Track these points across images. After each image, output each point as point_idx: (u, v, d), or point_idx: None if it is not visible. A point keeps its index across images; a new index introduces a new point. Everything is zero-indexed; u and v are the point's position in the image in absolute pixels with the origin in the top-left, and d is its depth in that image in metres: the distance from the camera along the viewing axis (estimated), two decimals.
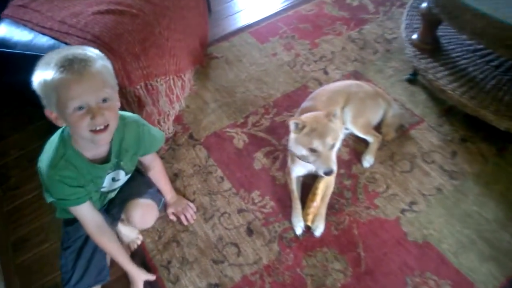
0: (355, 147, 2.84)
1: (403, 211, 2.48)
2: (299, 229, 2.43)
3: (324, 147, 2.16)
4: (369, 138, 2.76)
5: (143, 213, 1.99)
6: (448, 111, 2.96)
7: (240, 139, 2.98)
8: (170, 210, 2.37)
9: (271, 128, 3.02)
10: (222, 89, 3.34)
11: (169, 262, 2.39)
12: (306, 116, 2.31)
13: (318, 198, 2.45)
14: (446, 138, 2.81)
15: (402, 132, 2.89)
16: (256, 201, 2.63)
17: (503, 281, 2.15)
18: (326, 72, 3.39)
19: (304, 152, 2.26)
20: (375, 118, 2.82)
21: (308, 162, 2.31)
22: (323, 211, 2.47)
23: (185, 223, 2.43)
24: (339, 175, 2.67)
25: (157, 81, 2.75)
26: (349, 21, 3.76)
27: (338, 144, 2.25)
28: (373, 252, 2.32)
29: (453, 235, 2.35)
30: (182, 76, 3.13)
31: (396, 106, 2.94)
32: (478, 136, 2.78)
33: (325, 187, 2.50)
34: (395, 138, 2.85)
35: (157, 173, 2.37)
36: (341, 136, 2.27)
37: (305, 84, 3.30)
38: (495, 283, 2.14)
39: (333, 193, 2.57)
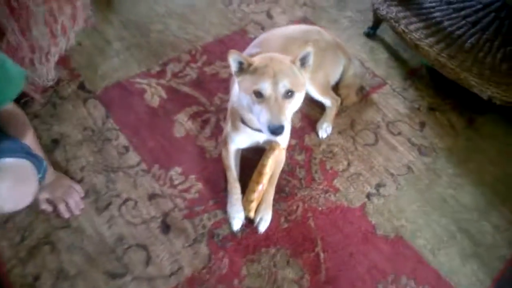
0: (308, 112, 2.20)
1: (369, 195, 1.93)
2: (237, 223, 1.76)
3: (276, 92, 1.50)
4: (326, 101, 2.15)
5: (14, 183, 1.26)
6: (413, 73, 2.48)
7: (155, 94, 2.15)
8: (42, 196, 1.60)
9: (200, 82, 2.24)
10: (130, 24, 2.45)
11: (36, 278, 1.55)
12: (258, 57, 1.58)
13: (265, 179, 1.78)
14: (413, 105, 2.31)
15: (363, 96, 2.31)
16: (176, 182, 1.87)
17: (489, 285, 1.71)
18: (270, 16, 2.67)
19: (247, 100, 1.57)
20: (335, 76, 2.21)
21: (251, 114, 1.63)
22: (270, 196, 1.82)
23: (66, 215, 1.63)
24: (289, 148, 2.01)
25: None
26: None
27: (298, 101, 1.56)
28: (335, 252, 1.74)
29: (429, 226, 1.87)
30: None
31: (357, 63, 2.35)
32: (447, 105, 2.33)
33: (274, 164, 1.83)
34: (356, 102, 2.26)
35: (20, 135, 1.47)
36: (303, 94, 1.58)
37: (244, 28, 2.56)
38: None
39: (282, 171, 1.91)
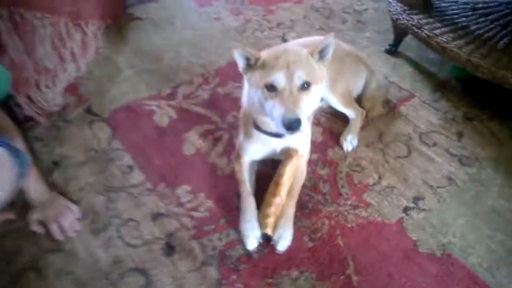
0: (330, 126, 2.00)
1: (406, 210, 1.65)
2: (252, 242, 1.50)
3: (290, 84, 1.34)
4: (349, 113, 1.95)
5: None
6: (443, 85, 2.27)
7: (164, 115, 2.03)
8: (34, 216, 1.52)
9: (212, 102, 2.11)
10: (143, 53, 2.41)
11: None
12: (268, 49, 1.45)
13: (282, 190, 1.55)
14: (447, 116, 2.08)
15: (389, 109, 2.11)
16: (183, 200, 1.67)
17: None
18: (284, 40, 2.59)
19: (258, 96, 1.41)
20: (357, 86, 2.03)
21: (264, 116, 1.46)
22: (290, 211, 1.57)
23: (58, 236, 1.47)
24: (311, 162, 1.79)
25: (34, 16, 1.74)
26: None
27: (316, 95, 1.39)
28: (370, 273, 1.44)
29: (481, 242, 1.55)
30: (83, 26, 2.14)
31: (380, 76, 2.17)
32: (485, 114, 2.08)
33: (293, 174, 1.61)
34: (382, 114, 2.05)
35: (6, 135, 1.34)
36: (321, 88, 1.41)
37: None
38: None
39: (304, 186, 1.68)
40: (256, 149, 1.65)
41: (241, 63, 1.42)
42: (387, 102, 2.14)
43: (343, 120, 2.01)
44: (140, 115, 2.04)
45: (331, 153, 1.88)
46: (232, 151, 1.83)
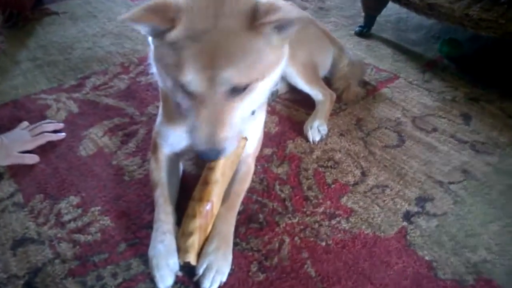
0: (290, 114, 1.47)
1: (409, 216, 1.10)
2: (166, 278, 0.92)
3: (213, 89, 0.82)
4: (316, 93, 1.45)
5: None
6: (432, 65, 1.81)
7: (61, 109, 1.47)
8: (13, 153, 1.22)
9: (130, 92, 1.57)
10: (51, 45, 1.90)
11: None
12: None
13: (214, 193, 0.98)
14: (445, 97, 1.58)
15: (368, 92, 1.60)
16: (66, 217, 1.08)
17: None
18: None
19: (169, 83, 0.89)
20: (323, 63, 1.55)
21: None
22: (228, 226, 1.01)
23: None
24: (262, 159, 1.24)
25: None
26: None
27: (260, 93, 0.90)
28: None
29: None
30: None
31: (351, 53, 1.67)
32: (492, 94, 1.59)
33: (231, 167, 1.04)
34: (358, 97, 1.54)
35: None
36: (273, 78, 0.88)
37: None
38: None
39: (251, 190, 1.12)
40: (179, 136, 1.07)
41: (144, 31, 0.86)
42: (363, 84, 1.62)
43: (307, 106, 1.48)
44: (28, 111, 1.47)
45: (291, 146, 1.33)
46: (148, 149, 1.26)
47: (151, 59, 0.91)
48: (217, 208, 1.00)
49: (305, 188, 1.18)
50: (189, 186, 1.11)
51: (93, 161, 1.26)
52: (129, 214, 1.09)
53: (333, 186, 1.19)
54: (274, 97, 1.52)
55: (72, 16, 2.18)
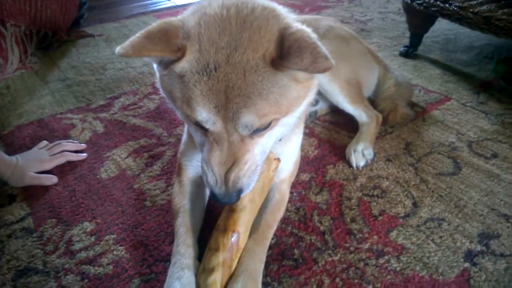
0: (330, 136, 1.33)
1: (471, 256, 0.92)
2: None
3: (230, 132, 0.72)
4: (360, 114, 1.32)
5: None
6: (486, 86, 1.64)
7: (86, 129, 1.40)
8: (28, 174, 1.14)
9: (159, 112, 1.49)
10: (83, 66, 1.88)
11: None
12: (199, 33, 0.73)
13: (240, 222, 0.85)
14: (504, 120, 1.38)
15: (417, 114, 1.44)
16: (76, 246, 0.97)
17: None
18: None
19: (180, 116, 0.83)
20: (368, 82, 1.42)
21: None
22: (256, 263, 0.86)
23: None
24: (298, 185, 1.11)
25: None
26: (302, 7, 2.59)
27: (284, 128, 0.82)
28: None
29: None
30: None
31: (398, 73, 1.53)
32: None
33: (262, 193, 0.90)
34: (407, 119, 1.38)
35: None
36: (299, 111, 0.78)
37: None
38: None
39: (285, 220, 0.98)
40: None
41: (146, 60, 0.77)
42: (411, 105, 1.47)
43: (349, 128, 1.35)
44: (53, 131, 1.41)
45: (332, 172, 1.18)
46: (174, 173, 1.15)
47: (159, 86, 0.81)
48: (244, 240, 0.86)
49: (348, 220, 1.02)
50: (215, 214, 0.99)
51: (113, 184, 1.16)
52: (147, 244, 0.97)
53: (380, 218, 1.03)
54: (312, 118, 1.39)
55: (108, 38, 2.17)
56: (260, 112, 0.68)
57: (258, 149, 0.75)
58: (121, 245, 0.97)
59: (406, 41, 1.94)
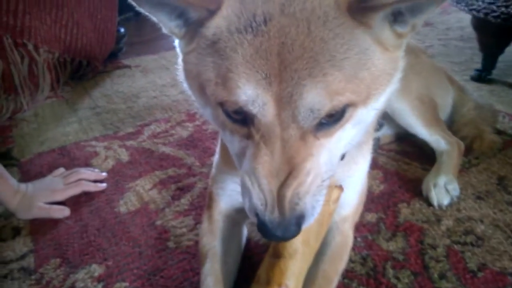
0: (398, 167, 1.07)
1: None
2: None
3: (281, 117, 0.48)
4: (437, 140, 1.07)
5: None
6: None
7: (110, 158, 1.23)
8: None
9: (192, 140, 1.31)
10: (116, 95, 1.76)
11: None
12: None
13: (290, 273, 0.59)
14: None
15: (505, 143, 1.16)
16: (79, 285, 0.74)
17: None
18: None
19: (210, 113, 0.57)
20: (444, 103, 1.16)
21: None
22: None
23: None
24: (363, 228, 0.85)
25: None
26: None
27: (362, 120, 0.55)
28: None
29: None
30: (29, 48, 1.54)
31: (476, 95, 1.28)
32: None
33: (320, 233, 0.65)
34: (495, 148, 1.11)
35: None
36: (386, 97, 0.56)
37: None
38: None
39: (349, 274, 0.71)
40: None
41: (166, 27, 0.57)
42: (497, 132, 1.19)
43: (421, 158, 1.10)
44: (74, 159, 1.25)
45: (406, 212, 0.92)
46: (204, 208, 0.93)
47: (182, 76, 0.61)
48: None
49: (436, 276, 0.75)
50: (255, 261, 0.75)
51: (132, 219, 0.95)
52: None
53: (480, 274, 0.75)
54: (375, 146, 1.15)
55: (144, 69, 2.07)
56: (331, 86, 0.45)
57: (325, 156, 0.51)
58: None
59: (475, 66, 1.69)
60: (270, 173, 0.48)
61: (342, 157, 0.67)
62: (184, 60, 0.57)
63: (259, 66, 0.46)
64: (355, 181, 0.75)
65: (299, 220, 0.49)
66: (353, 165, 0.73)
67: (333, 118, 0.49)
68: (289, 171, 0.48)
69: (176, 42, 0.59)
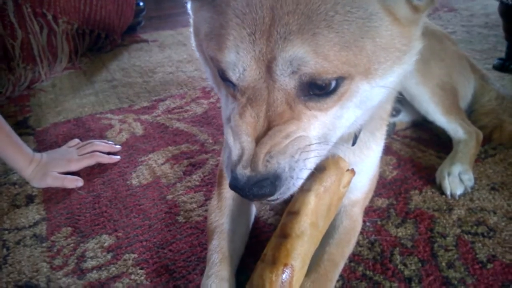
0: (413, 154, 1.05)
1: None
2: None
3: (268, 76, 0.48)
4: (455, 129, 1.02)
5: None
6: None
7: (124, 131, 1.24)
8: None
9: (206, 117, 1.31)
10: (133, 68, 1.76)
11: None
12: None
13: (296, 252, 0.59)
14: None
15: None
16: (88, 263, 0.76)
17: None
18: None
19: (210, 72, 0.60)
20: (465, 91, 1.13)
21: None
22: None
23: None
24: (373, 213, 0.84)
25: None
26: None
27: (360, 100, 0.53)
28: None
29: None
30: (48, 19, 1.54)
31: (498, 85, 1.24)
32: None
33: (328, 214, 0.65)
34: None
35: None
36: (399, 77, 0.53)
37: None
38: None
39: (356, 258, 0.71)
40: None
41: None
42: None
43: (438, 146, 1.07)
44: (89, 130, 1.26)
45: (418, 199, 0.91)
46: (215, 184, 0.93)
47: (192, 39, 0.61)
48: (300, 279, 0.62)
49: (443, 264, 0.74)
50: (262, 240, 0.75)
51: (143, 192, 0.97)
52: (173, 270, 0.75)
53: (490, 266, 0.74)
54: (390, 132, 1.13)
55: (162, 44, 2.07)
56: (321, 48, 0.44)
57: (317, 128, 0.50)
58: (141, 268, 0.76)
59: (498, 54, 1.64)
60: (252, 133, 0.48)
61: (354, 142, 0.66)
62: (192, 20, 0.57)
63: (248, 21, 0.45)
64: (367, 166, 0.74)
65: (274, 180, 0.48)
66: (365, 150, 0.72)
67: (324, 91, 0.47)
68: (269, 135, 0.48)
69: (189, 6, 0.58)
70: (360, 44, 0.45)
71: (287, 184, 0.49)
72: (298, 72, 0.45)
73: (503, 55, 1.60)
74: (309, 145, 0.50)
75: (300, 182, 0.51)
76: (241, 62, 0.46)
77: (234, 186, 0.49)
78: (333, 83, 0.47)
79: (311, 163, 0.51)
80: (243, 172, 0.48)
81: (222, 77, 0.51)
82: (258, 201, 0.51)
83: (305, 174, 0.51)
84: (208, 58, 0.52)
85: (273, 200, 0.52)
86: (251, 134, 0.48)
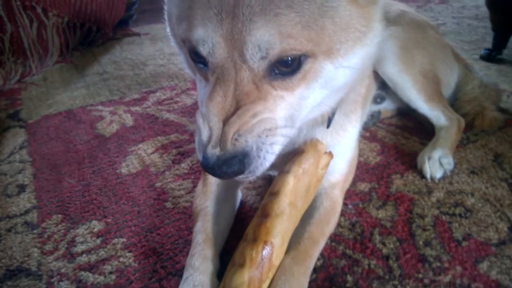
0: (396, 141, 1.08)
1: None
2: None
3: (234, 55, 0.50)
4: (437, 115, 1.07)
5: None
6: None
7: (114, 122, 1.26)
8: None
9: (196, 108, 1.34)
10: (124, 61, 1.78)
11: None
12: None
13: (276, 230, 0.61)
14: None
15: (506, 120, 1.16)
16: (79, 247, 0.79)
17: None
18: None
19: (183, 55, 0.64)
20: (448, 80, 1.16)
21: None
22: (294, 286, 0.60)
23: None
24: (354, 196, 0.88)
25: None
26: None
27: (325, 80, 0.55)
28: None
29: None
30: (38, 12, 1.55)
31: (481, 74, 1.27)
32: None
33: (307, 193, 0.68)
34: (495, 125, 1.11)
35: None
36: (366, 52, 0.57)
37: None
38: None
39: (337, 237, 0.74)
40: None
41: None
42: (500, 111, 1.19)
43: (421, 133, 1.10)
44: (79, 122, 1.28)
45: (399, 183, 0.94)
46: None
47: (168, 28, 0.64)
48: (280, 256, 0.64)
49: (421, 243, 0.77)
50: (247, 222, 0.77)
51: (133, 181, 0.99)
52: (161, 252, 0.77)
53: (465, 244, 0.77)
54: (375, 120, 1.16)
55: (153, 37, 2.08)
56: (284, 28, 0.46)
57: (283, 108, 0.53)
58: (129, 251, 0.78)
59: (486, 45, 1.68)
60: (220, 113, 0.50)
61: (328, 124, 0.69)
62: (166, 7, 0.59)
63: (214, 2, 0.47)
64: (344, 148, 0.77)
65: (243, 157, 0.51)
66: (341, 132, 0.74)
67: (290, 69, 0.50)
68: (236, 114, 0.51)
69: None
70: (320, 24, 0.48)
71: (255, 163, 0.52)
72: (268, 56, 0.48)
73: (490, 45, 1.63)
74: (276, 128, 0.52)
75: (267, 164, 0.54)
76: (210, 38, 0.48)
77: (205, 165, 0.51)
78: (297, 61, 0.49)
79: (277, 147, 0.54)
80: (213, 151, 0.50)
81: (195, 59, 0.53)
82: (229, 179, 0.54)
83: (271, 158, 0.54)
84: (181, 41, 0.54)
85: (244, 178, 0.54)
86: (219, 114, 0.50)
